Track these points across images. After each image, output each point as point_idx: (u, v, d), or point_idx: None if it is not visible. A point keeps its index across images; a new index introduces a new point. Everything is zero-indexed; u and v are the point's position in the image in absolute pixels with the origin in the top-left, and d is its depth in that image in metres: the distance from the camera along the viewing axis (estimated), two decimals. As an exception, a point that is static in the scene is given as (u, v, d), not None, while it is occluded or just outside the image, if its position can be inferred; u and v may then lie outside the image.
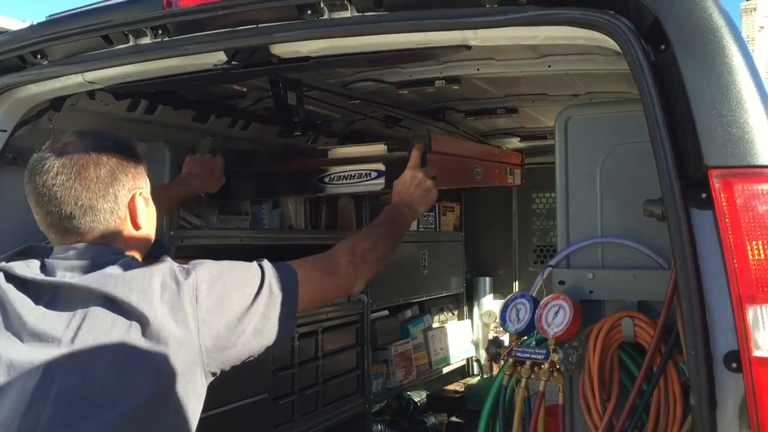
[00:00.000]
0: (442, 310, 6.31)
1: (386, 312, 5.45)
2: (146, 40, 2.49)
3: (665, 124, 1.78)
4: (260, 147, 4.24)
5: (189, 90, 3.80)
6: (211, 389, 3.41)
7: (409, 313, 5.78)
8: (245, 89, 3.94)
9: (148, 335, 1.73)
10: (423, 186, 2.66)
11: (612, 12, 1.93)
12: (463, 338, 6.43)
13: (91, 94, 3.31)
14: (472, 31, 2.14)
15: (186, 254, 3.58)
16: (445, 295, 6.27)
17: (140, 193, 1.99)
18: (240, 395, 3.78)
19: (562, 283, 2.44)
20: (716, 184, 1.69)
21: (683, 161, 1.76)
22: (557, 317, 2.29)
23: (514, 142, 6.05)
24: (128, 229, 1.97)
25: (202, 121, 4.09)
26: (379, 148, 3.21)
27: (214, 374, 1.90)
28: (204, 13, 2.33)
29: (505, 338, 6.34)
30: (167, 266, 1.87)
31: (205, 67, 2.60)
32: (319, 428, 4.48)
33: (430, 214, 6.06)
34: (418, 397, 5.85)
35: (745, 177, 1.67)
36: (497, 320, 6.50)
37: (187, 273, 1.86)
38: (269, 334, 1.92)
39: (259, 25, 2.34)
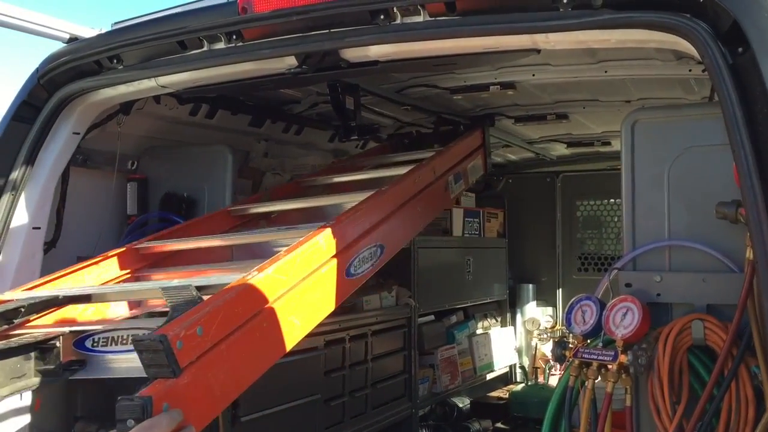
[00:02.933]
0: (485, 317, 6.31)
1: (432, 317, 5.47)
2: (220, 45, 2.57)
3: (745, 126, 1.79)
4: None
5: (247, 95, 3.89)
6: (267, 388, 3.48)
7: (454, 318, 5.80)
8: (300, 93, 4.03)
9: None
10: None
11: (688, 15, 1.95)
12: (506, 345, 6.42)
13: (157, 98, 3.42)
14: (544, 35, 2.18)
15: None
16: (488, 301, 6.28)
17: None
18: (294, 396, 3.84)
19: (628, 285, 2.44)
20: (798, 185, 1.69)
21: (764, 162, 1.77)
22: (625, 319, 2.29)
23: (560, 149, 6.07)
24: None
25: (257, 126, 4.18)
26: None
27: None
28: (278, 18, 2.40)
29: (548, 347, 6.33)
30: None
31: (275, 71, 2.67)
32: (368, 431, 4.52)
33: (475, 220, 6.08)
34: (462, 403, 5.85)
35: (828, 178, 1.68)
36: (540, 327, 6.51)
37: None
38: None
39: (332, 30, 2.40)
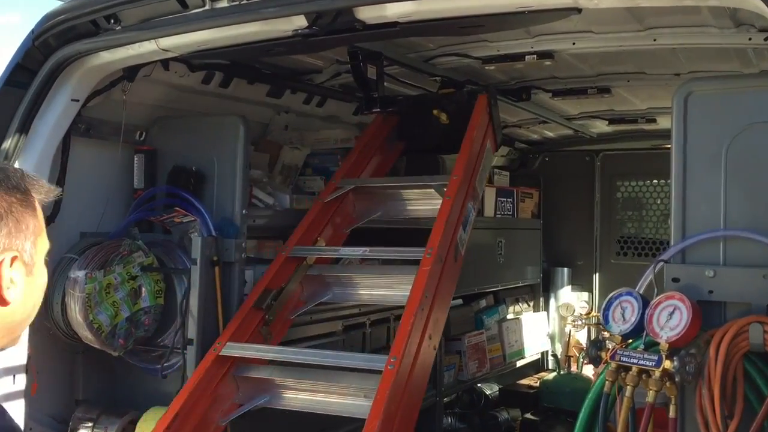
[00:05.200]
0: (517, 301, 6.02)
1: (460, 301, 5.21)
2: (223, 3, 2.33)
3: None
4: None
5: (265, 63, 3.65)
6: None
7: (483, 302, 5.52)
8: (321, 62, 3.78)
9: None
10: None
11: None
12: (538, 331, 6.14)
13: (165, 64, 3.19)
14: (587, -11, 1.88)
15: (256, 235, 3.45)
16: (521, 285, 5.99)
17: (16, 258, 1.44)
18: (308, 383, 3.64)
19: (676, 280, 2.15)
20: None
21: None
22: (672, 319, 2.01)
23: (601, 126, 5.73)
24: None
25: (276, 96, 3.94)
26: None
27: None
28: (285, -29, 2.14)
29: (582, 334, 6.04)
30: None
31: (284, 34, 2.42)
32: (389, 419, 4.31)
33: (508, 200, 5.78)
34: (490, 390, 5.61)
35: None
36: (574, 313, 6.21)
37: None
38: None
39: (345, -15, 2.14)
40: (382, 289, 3.26)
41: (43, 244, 1.51)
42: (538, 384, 5.82)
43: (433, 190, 3.31)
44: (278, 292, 3.12)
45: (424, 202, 3.47)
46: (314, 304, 3.30)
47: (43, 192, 1.49)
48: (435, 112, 3.84)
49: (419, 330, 2.82)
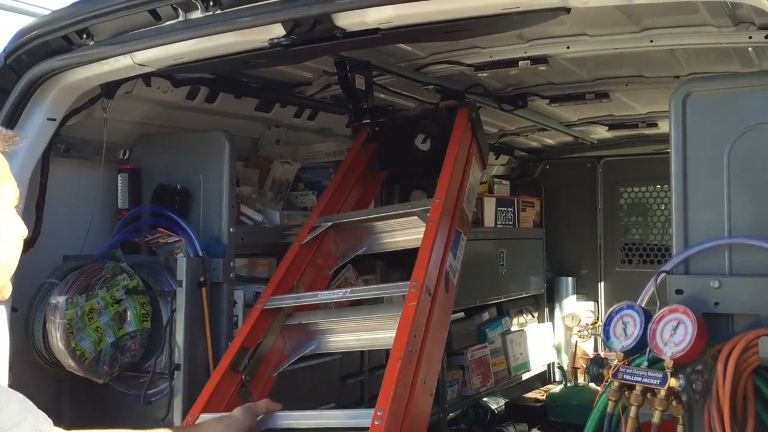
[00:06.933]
0: (521, 312, 5.90)
1: (462, 314, 5.09)
2: (197, 14, 2.23)
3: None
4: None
5: (252, 76, 3.56)
6: (279, 397, 3.12)
7: (486, 315, 5.40)
8: (310, 74, 3.68)
9: None
10: None
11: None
12: (543, 342, 6.02)
13: (147, 80, 3.10)
14: (575, -13, 1.77)
15: (247, 253, 3.34)
16: (524, 296, 5.87)
17: None
18: (307, 405, 3.50)
19: (679, 292, 2.03)
20: None
21: None
22: (676, 334, 1.89)
23: (601, 132, 5.62)
24: None
25: (265, 110, 3.84)
26: None
27: None
28: (259, -22, 2.04)
29: (589, 345, 5.90)
30: None
31: (262, 44, 2.32)
32: (391, 439, 4.17)
33: (509, 209, 5.67)
34: (496, 404, 5.47)
35: None
36: (580, 323, 6.08)
37: None
38: None
39: (321, -8, 2.04)
40: (370, 332, 2.90)
41: (9, 191, 1.50)
42: (545, 397, 5.69)
43: (416, 217, 3.01)
44: (255, 349, 2.80)
45: (410, 231, 3.16)
46: (298, 357, 2.98)
47: (0, 138, 1.48)
48: (416, 142, 3.65)
49: (409, 374, 2.47)
